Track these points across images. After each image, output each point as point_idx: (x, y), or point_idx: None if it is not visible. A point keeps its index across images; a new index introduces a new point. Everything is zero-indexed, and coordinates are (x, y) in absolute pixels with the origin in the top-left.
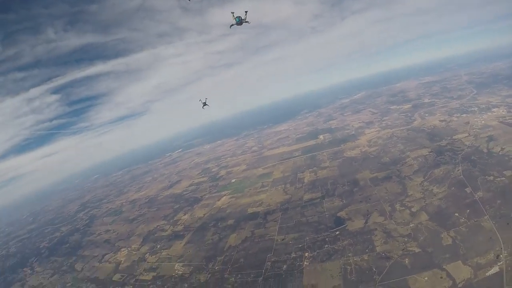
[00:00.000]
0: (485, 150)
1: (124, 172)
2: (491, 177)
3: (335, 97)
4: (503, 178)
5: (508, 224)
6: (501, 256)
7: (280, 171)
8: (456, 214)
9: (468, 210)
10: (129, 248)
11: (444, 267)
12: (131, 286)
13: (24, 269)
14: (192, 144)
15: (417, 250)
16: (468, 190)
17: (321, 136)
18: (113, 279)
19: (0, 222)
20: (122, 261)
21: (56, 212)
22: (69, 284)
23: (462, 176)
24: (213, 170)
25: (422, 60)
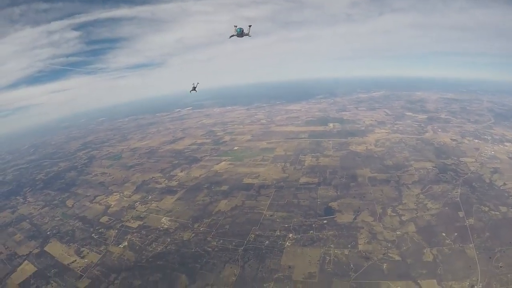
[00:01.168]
0: (487, 180)
1: (131, 120)
2: (487, 208)
3: (353, 89)
4: (498, 213)
5: (490, 258)
6: (475, 287)
7: (283, 149)
8: (443, 234)
9: (455, 233)
10: (121, 194)
11: (418, 281)
12: (116, 230)
13: (17, 197)
14: (202, 104)
15: (397, 258)
16: (461, 214)
17: (330, 124)
18: (100, 220)
19: (1, 150)
20: (112, 205)
21: (57, 147)
22: (57, 218)
23: (458, 199)
24: (218, 134)
25: (448, 75)
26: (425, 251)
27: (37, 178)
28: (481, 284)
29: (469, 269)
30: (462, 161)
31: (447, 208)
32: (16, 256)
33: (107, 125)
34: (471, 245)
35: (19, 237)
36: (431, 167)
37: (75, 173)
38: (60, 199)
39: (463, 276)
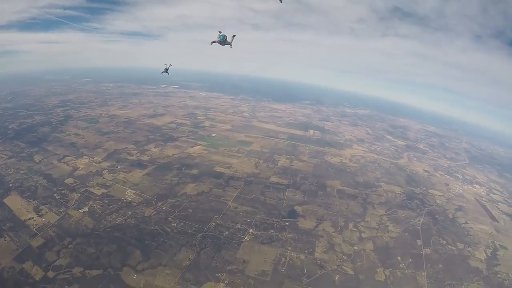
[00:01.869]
0: (450, 216)
1: (115, 86)
2: (444, 242)
3: (340, 102)
4: (454, 248)
5: None
6: None
7: (259, 145)
8: (399, 258)
9: (410, 259)
10: (91, 158)
11: None
12: (79, 194)
13: None
14: (189, 85)
15: (350, 272)
16: (419, 242)
17: (311, 131)
18: (65, 181)
19: None
20: (80, 168)
21: (36, 100)
22: (22, 172)
23: (419, 228)
24: (199, 117)
25: (435, 109)
26: (378, 270)
27: (9, 127)
28: None
29: None
30: (430, 193)
31: (407, 234)
32: None
33: (90, 87)
34: (423, 273)
35: None
36: (399, 192)
37: (48, 129)
38: (28, 153)
39: None
